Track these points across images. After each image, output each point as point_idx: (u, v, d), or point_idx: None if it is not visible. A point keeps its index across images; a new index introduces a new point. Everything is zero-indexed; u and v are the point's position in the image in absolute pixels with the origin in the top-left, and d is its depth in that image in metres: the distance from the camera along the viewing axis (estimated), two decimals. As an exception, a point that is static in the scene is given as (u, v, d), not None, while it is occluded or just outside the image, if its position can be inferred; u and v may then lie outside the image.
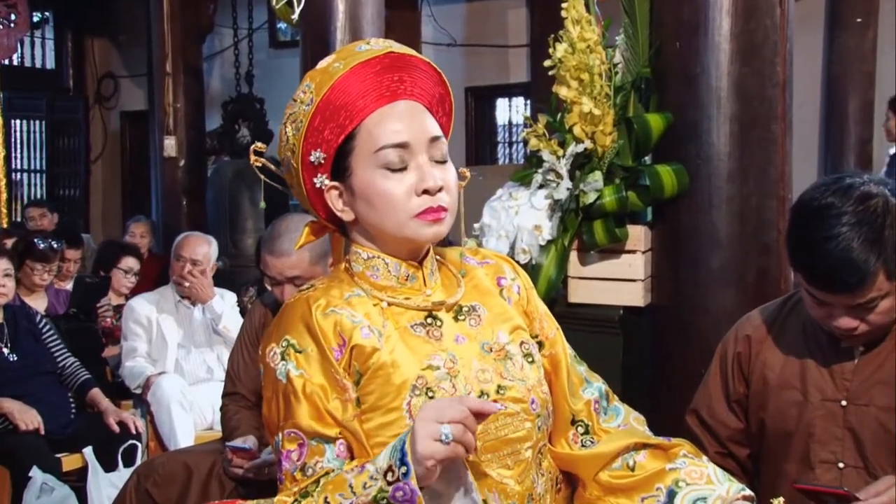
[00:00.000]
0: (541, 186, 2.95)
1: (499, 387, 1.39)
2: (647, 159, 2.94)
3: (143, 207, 8.05)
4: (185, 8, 6.97)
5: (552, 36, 2.88)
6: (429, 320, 1.42)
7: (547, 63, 2.90)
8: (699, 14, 2.77)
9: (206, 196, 7.08)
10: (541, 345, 1.51)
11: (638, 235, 2.90)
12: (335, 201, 1.41)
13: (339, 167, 1.39)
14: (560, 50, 2.84)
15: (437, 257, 1.49)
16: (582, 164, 2.89)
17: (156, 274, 5.86)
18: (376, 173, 1.36)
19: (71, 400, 4.00)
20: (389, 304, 1.41)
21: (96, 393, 4.01)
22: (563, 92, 2.87)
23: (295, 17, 4.24)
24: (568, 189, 2.85)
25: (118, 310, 4.83)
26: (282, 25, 8.56)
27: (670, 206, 2.85)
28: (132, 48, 9.36)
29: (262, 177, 1.53)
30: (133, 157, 10.02)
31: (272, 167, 1.52)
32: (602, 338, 2.87)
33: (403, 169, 1.36)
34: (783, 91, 2.79)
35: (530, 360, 1.46)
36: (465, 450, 1.24)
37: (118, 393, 4.41)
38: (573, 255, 2.96)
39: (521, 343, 1.46)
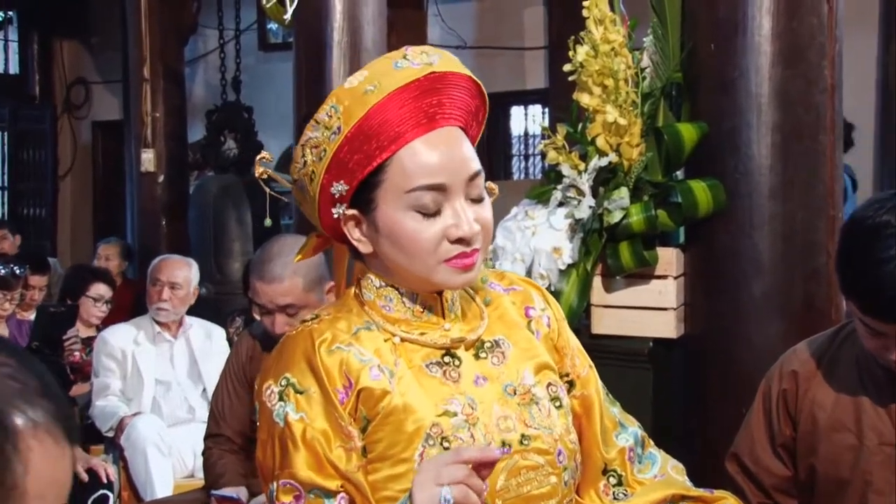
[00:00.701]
0: (560, 204, 2.95)
1: (522, 436, 1.38)
2: (679, 174, 2.95)
3: (117, 228, 8.08)
4: (166, 7, 7.00)
5: (572, 37, 2.89)
6: (446, 359, 1.40)
7: (567, 67, 2.91)
8: (737, 12, 2.78)
9: (187, 215, 7.10)
10: (571, 384, 1.50)
11: (669, 259, 2.90)
12: (352, 230, 1.40)
13: (362, 198, 1.37)
14: (581, 53, 2.85)
15: None
16: (606, 179, 2.89)
17: (130, 302, 5.88)
18: (407, 215, 1.34)
19: (35, 443, 3.99)
20: (402, 340, 1.40)
21: (63, 436, 4.01)
22: (584, 99, 2.88)
23: (287, 16, 4.26)
24: (590, 207, 2.86)
25: (87, 342, 4.82)
26: (272, 26, 8.61)
27: (705, 227, 2.85)
28: (105, 51, 9.43)
29: (269, 190, 1.51)
30: (106, 171, 10.06)
31: (286, 182, 1.48)
32: (630, 373, 2.87)
33: (437, 213, 1.34)
34: (832, 97, 2.80)
35: (558, 404, 1.44)
36: None
37: (87, 436, 4.39)
38: (597, 281, 2.96)
39: (549, 385, 1.45)
